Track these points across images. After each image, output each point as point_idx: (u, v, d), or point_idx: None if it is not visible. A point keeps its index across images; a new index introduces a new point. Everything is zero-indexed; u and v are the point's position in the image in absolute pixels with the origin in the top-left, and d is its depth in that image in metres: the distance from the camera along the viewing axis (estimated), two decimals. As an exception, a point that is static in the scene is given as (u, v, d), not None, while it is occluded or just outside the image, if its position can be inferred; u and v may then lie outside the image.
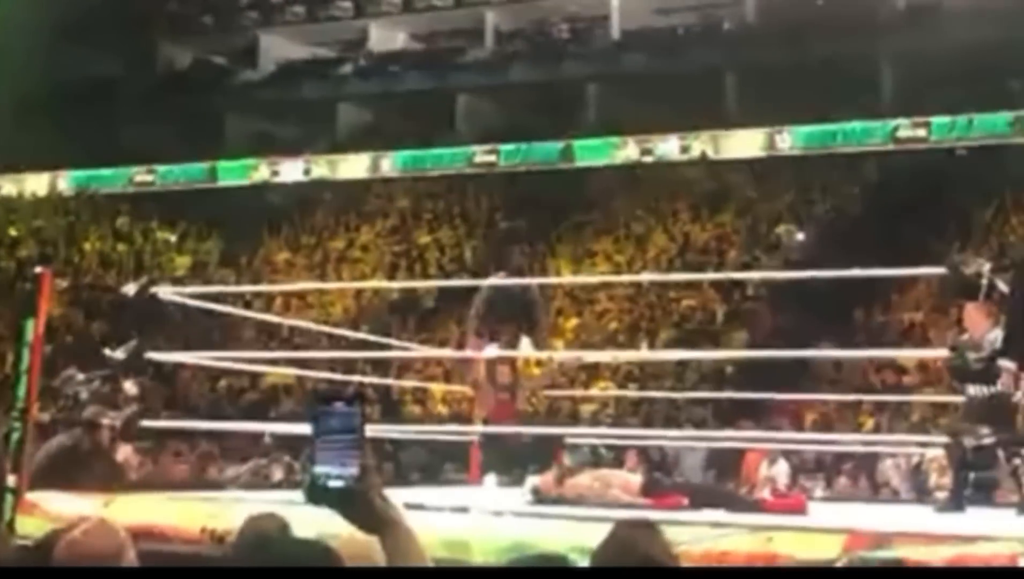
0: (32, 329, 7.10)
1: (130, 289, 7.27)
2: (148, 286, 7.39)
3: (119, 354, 7.27)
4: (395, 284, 23.73)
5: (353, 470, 2.30)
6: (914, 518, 7.55)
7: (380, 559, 2.40)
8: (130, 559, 3.46)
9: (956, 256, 6.41)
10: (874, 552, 5.08)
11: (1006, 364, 6.19)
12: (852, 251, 21.13)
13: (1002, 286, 5.68)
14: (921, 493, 11.35)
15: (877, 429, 15.49)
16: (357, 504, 2.33)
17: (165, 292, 7.71)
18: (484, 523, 6.19)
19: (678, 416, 16.04)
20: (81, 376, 9.76)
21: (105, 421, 7.49)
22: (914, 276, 19.80)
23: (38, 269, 7.29)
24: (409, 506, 6.51)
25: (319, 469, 2.31)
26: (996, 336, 6.04)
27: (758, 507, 7.10)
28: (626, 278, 22.61)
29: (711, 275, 20.62)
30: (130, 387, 7.97)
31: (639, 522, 3.70)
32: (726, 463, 13.97)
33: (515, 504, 7.31)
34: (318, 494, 2.32)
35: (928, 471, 12.12)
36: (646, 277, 20.77)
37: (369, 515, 2.35)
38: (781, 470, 12.65)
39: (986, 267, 5.70)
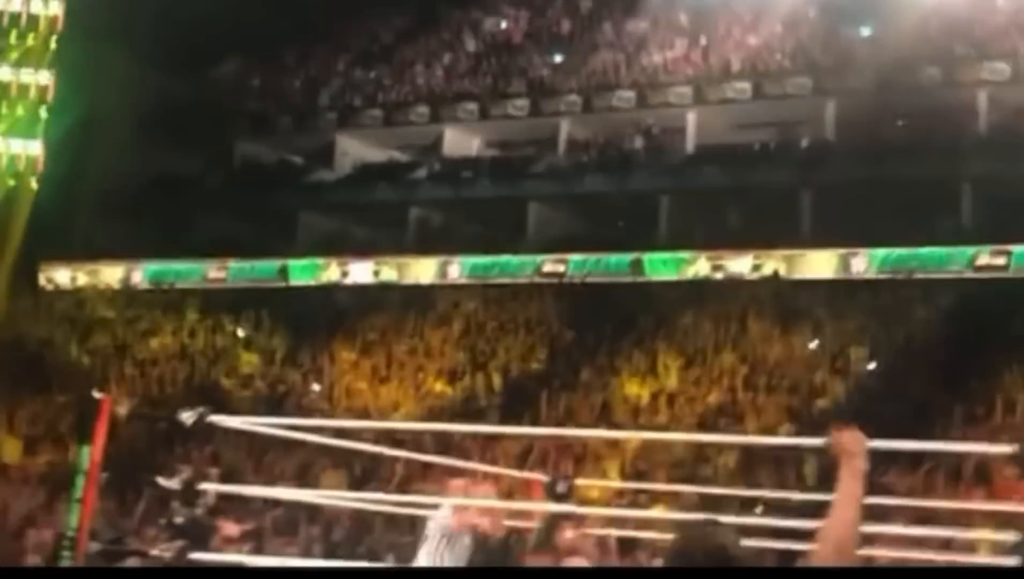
0: (88, 456, 6.97)
1: (187, 417, 7.13)
2: (205, 415, 7.26)
3: (173, 483, 7.13)
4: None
5: None
6: None
7: None
8: None
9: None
10: None
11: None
12: (923, 380, 20.81)
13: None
14: None
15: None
16: None
17: (222, 420, 7.58)
18: None
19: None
20: None
21: (153, 552, 7.34)
22: (987, 407, 19.54)
23: (97, 394, 7.18)
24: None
25: None
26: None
27: None
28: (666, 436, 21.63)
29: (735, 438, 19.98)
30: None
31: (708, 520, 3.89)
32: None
33: None
34: None
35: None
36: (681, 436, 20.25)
37: None
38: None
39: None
